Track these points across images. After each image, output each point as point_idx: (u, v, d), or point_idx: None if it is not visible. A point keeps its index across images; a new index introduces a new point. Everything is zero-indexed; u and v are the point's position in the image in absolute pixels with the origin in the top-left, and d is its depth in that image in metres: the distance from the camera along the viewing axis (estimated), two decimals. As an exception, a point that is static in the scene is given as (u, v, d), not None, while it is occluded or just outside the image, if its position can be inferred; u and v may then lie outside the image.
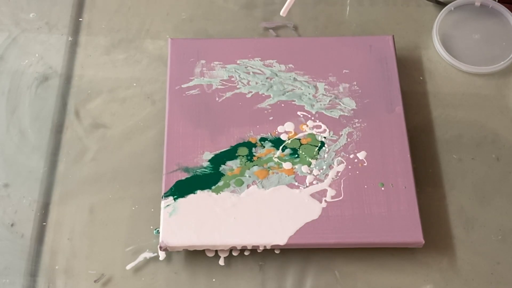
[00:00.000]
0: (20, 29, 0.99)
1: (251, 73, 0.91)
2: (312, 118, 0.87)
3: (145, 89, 0.94)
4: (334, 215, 0.80)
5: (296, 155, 0.85)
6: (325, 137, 0.86)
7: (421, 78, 0.95)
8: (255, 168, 0.83)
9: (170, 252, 0.81)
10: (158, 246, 0.78)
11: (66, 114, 0.92)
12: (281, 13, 0.78)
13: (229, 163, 0.84)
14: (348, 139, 0.86)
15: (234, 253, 0.81)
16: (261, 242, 0.79)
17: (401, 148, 0.85)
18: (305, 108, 0.88)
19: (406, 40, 0.99)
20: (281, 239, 0.78)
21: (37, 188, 0.86)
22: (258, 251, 0.80)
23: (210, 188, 0.82)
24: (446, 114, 0.92)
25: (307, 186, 0.82)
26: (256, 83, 0.90)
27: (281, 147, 0.85)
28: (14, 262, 0.81)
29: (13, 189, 0.86)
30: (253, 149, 0.85)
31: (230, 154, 0.84)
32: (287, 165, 0.84)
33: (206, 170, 0.83)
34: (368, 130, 0.86)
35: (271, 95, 0.89)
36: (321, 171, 0.83)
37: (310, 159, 0.84)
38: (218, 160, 0.84)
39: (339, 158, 0.84)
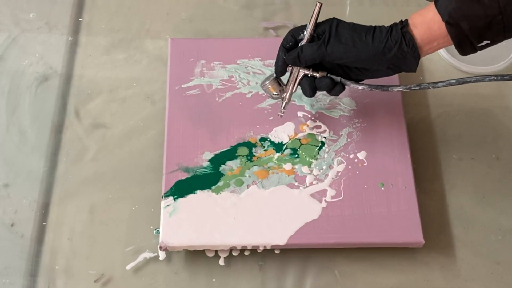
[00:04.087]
0: (20, 29, 0.99)
1: (251, 73, 0.91)
2: (312, 118, 0.87)
3: (145, 89, 0.94)
4: (334, 215, 0.80)
5: (296, 155, 0.85)
6: (325, 137, 0.86)
7: (421, 78, 0.95)
8: (255, 168, 0.83)
9: (170, 252, 0.81)
10: (158, 246, 0.78)
11: (66, 114, 0.92)
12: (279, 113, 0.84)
13: (229, 163, 0.84)
14: (348, 139, 0.86)
15: (234, 253, 0.81)
16: (261, 242, 0.79)
17: (401, 148, 0.85)
18: (305, 108, 0.88)
19: (406, 40, 0.98)
20: (281, 239, 0.78)
21: (37, 188, 0.86)
22: (258, 251, 0.80)
23: (210, 188, 0.82)
24: (446, 114, 0.92)
25: (307, 186, 0.82)
26: (256, 83, 0.90)
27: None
28: (14, 262, 0.81)
29: (13, 189, 0.86)
30: (253, 149, 0.85)
31: (230, 154, 0.84)
32: (287, 165, 0.84)
33: (206, 170, 0.83)
34: (368, 130, 0.86)
35: (271, 95, 0.89)
36: (321, 171, 0.83)
37: (310, 159, 0.84)
38: (218, 160, 0.84)
39: (339, 158, 0.84)
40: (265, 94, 0.88)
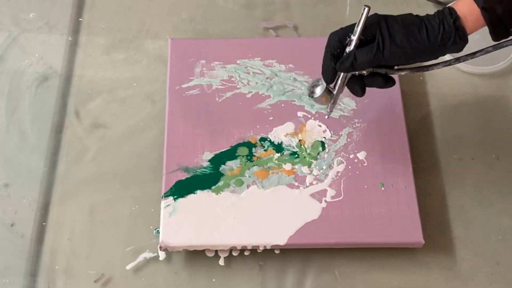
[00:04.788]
0: (20, 29, 0.99)
1: (251, 73, 0.91)
2: (312, 118, 0.87)
3: (145, 89, 0.94)
4: (334, 215, 0.80)
5: (296, 155, 0.85)
6: (325, 137, 0.86)
7: (421, 78, 0.95)
8: (255, 168, 0.83)
9: (170, 252, 0.81)
10: (158, 246, 0.78)
11: (66, 114, 0.92)
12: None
13: (229, 163, 0.84)
14: (348, 139, 0.86)
15: (234, 253, 0.81)
16: (261, 242, 0.79)
17: (401, 148, 0.85)
18: (305, 108, 0.88)
19: (406, 40, 0.98)
20: (281, 239, 0.78)
21: (37, 188, 0.86)
22: (258, 251, 0.80)
23: (210, 188, 0.82)
24: (446, 114, 0.92)
25: (307, 186, 0.82)
26: (256, 83, 0.90)
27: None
28: (14, 262, 0.81)
29: (13, 189, 0.86)
30: (253, 149, 0.85)
31: (230, 154, 0.84)
32: (287, 165, 0.84)
33: (206, 170, 0.83)
34: (368, 130, 0.86)
35: (271, 95, 0.89)
36: (321, 171, 0.83)
37: (310, 159, 0.84)
38: (218, 160, 0.84)
39: (339, 158, 0.84)
40: (265, 94, 0.89)
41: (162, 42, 0.98)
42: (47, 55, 0.96)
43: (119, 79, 0.95)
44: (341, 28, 0.73)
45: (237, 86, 0.90)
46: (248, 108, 0.88)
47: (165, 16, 1.01)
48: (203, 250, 0.80)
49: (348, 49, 0.72)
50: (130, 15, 1.01)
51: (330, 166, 0.84)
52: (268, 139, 0.86)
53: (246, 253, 0.81)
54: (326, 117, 0.82)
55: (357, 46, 0.71)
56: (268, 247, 0.79)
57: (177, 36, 0.97)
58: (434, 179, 0.87)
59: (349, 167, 0.84)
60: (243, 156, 0.84)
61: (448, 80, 0.95)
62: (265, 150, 0.85)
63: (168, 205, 0.80)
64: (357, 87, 0.75)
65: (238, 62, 0.92)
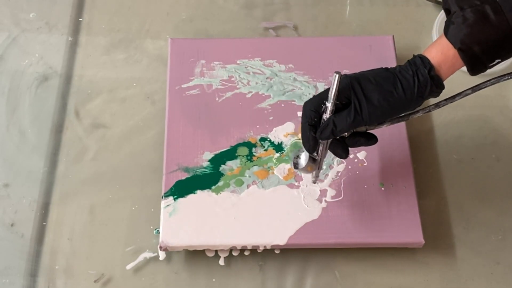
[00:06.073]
0: (20, 29, 0.99)
1: (251, 73, 0.91)
2: (312, 118, 0.87)
3: (145, 89, 0.94)
4: (334, 215, 0.80)
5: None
6: (325, 137, 0.86)
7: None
8: (255, 168, 0.83)
9: (170, 252, 0.81)
10: (158, 246, 0.78)
11: (66, 114, 0.92)
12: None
13: (229, 163, 0.84)
14: (348, 139, 0.86)
15: (234, 253, 0.81)
16: (261, 242, 0.79)
17: (401, 148, 0.85)
18: (305, 108, 0.88)
19: (406, 40, 0.99)
20: (281, 239, 0.78)
21: (37, 188, 0.86)
22: (258, 251, 0.80)
23: (210, 188, 0.82)
24: (446, 114, 0.92)
25: (307, 186, 0.82)
26: (256, 83, 0.90)
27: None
28: (14, 262, 0.81)
29: (13, 189, 0.86)
30: (253, 149, 0.85)
31: (230, 154, 0.84)
32: (287, 165, 0.84)
33: (206, 170, 0.83)
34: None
35: (271, 95, 0.89)
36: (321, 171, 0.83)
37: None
38: (218, 160, 0.84)
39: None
40: (265, 94, 0.89)
41: (162, 42, 0.98)
42: (47, 55, 0.96)
43: (119, 79, 0.95)
44: (314, 97, 0.71)
45: (237, 86, 0.90)
46: (248, 108, 0.88)
47: (165, 16, 1.01)
48: (203, 250, 0.80)
49: (325, 116, 0.70)
50: (130, 15, 1.01)
51: (330, 166, 0.84)
52: (268, 139, 0.86)
53: (246, 253, 0.81)
54: (313, 183, 0.81)
55: (333, 111, 0.70)
56: (268, 247, 0.79)
57: (177, 36, 0.97)
58: (434, 179, 0.87)
59: (349, 167, 0.84)
60: (243, 156, 0.84)
61: (448, 80, 0.95)
62: (265, 150, 0.85)
63: (168, 205, 0.80)
64: (340, 150, 0.73)
65: (238, 62, 0.92)
